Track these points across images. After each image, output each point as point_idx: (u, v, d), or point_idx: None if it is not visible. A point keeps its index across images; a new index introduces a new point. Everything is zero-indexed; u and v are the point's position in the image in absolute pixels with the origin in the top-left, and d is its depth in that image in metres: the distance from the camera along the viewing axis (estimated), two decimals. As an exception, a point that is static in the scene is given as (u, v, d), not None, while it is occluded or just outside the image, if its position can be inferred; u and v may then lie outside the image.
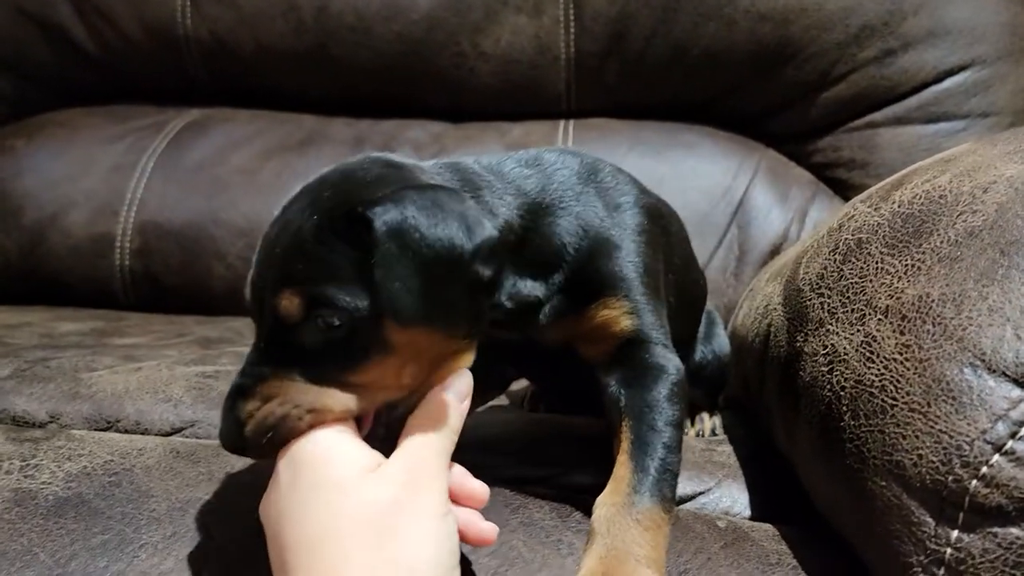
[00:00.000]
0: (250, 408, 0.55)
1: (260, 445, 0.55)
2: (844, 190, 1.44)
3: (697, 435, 0.92)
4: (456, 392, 0.59)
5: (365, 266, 0.53)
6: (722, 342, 1.00)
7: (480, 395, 0.72)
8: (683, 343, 0.85)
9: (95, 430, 0.80)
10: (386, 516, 0.51)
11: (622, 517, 0.59)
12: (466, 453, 0.75)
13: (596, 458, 0.76)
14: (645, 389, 0.67)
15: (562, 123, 1.58)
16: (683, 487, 0.75)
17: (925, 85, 1.39)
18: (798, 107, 1.48)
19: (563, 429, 0.83)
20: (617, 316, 0.69)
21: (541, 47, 1.54)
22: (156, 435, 0.81)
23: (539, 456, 0.77)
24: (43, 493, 0.65)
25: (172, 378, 0.89)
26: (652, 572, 0.56)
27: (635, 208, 0.74)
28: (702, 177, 1.46)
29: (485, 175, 0.67)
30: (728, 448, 0.85)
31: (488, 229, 0.56)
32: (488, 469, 0.73)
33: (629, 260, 0.70)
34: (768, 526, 0.68)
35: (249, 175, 1.53)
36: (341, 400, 0.56)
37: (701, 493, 0.75)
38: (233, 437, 0.56)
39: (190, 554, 0.60)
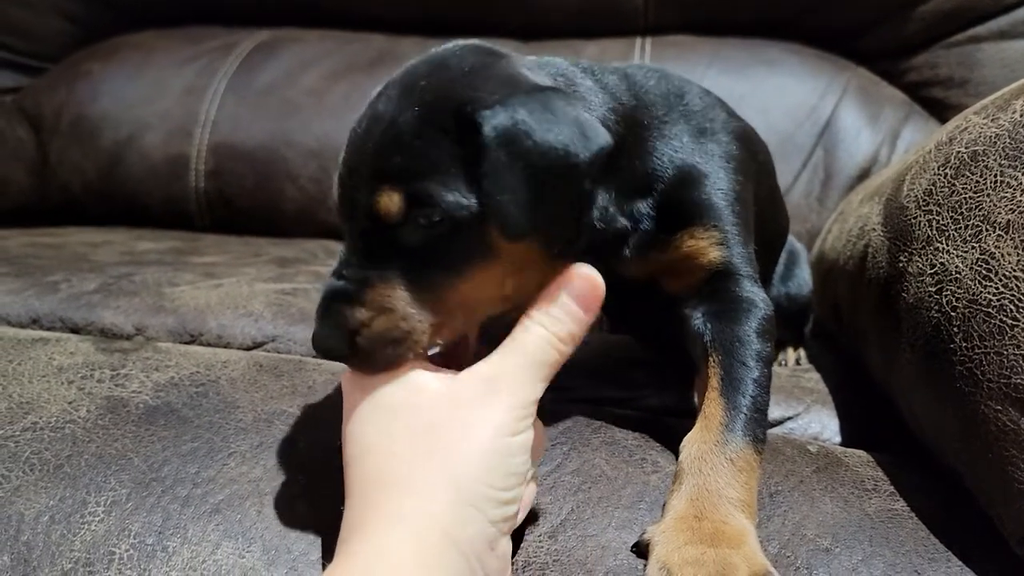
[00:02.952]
0: (360, 316, 0.51)
1: (374, 357, 0.52)
2: (940, 110, 1.36)
3: (780, 365, 0.89)
4: (575, 293, 0.53)
5: (471, 166, 0.50)
6: (804, 279, 0.94)
7: None
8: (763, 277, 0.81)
9: (179, 343, 0.82)
10: (439, 428, 0.48)
11: (714, 456, 0.55)
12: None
13: (676, 381, 0.75)
14: (734, 323, 0.62)
15: (638, 40, 1.52)
16: (770, 412, 0.72)
17: (1037, -6, 1.29)
18: (893, 21, 1.39)
19: (642, 351, 0.81)
20: (704, 247, 0.65)
21: (619, -41, 1.48)
22: (238, 349, 0.82)
23: (619, 378, 0.76)
24: (134, 401, 0.66)
25: (252, 294, 0.89)
26: (745, 517, 0.53)
27: (724, 133, 0.69)
28: (786, 96, 1.39)
29: (583, 78, 0.62)
30: (815, 375, 0.82)
31: (604, 136, 0.52)
32: (567, 390, 0.73)
33: (718, 188, 0.66)
34: (862, 452, 0.65)
35: (319, 96, 1.52)
36: (447, 313, 0.53)
37: (789, 418, 0.73)
38: (336, 342, 0.52)
39: (277, 463, 0.61)
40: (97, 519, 0.55)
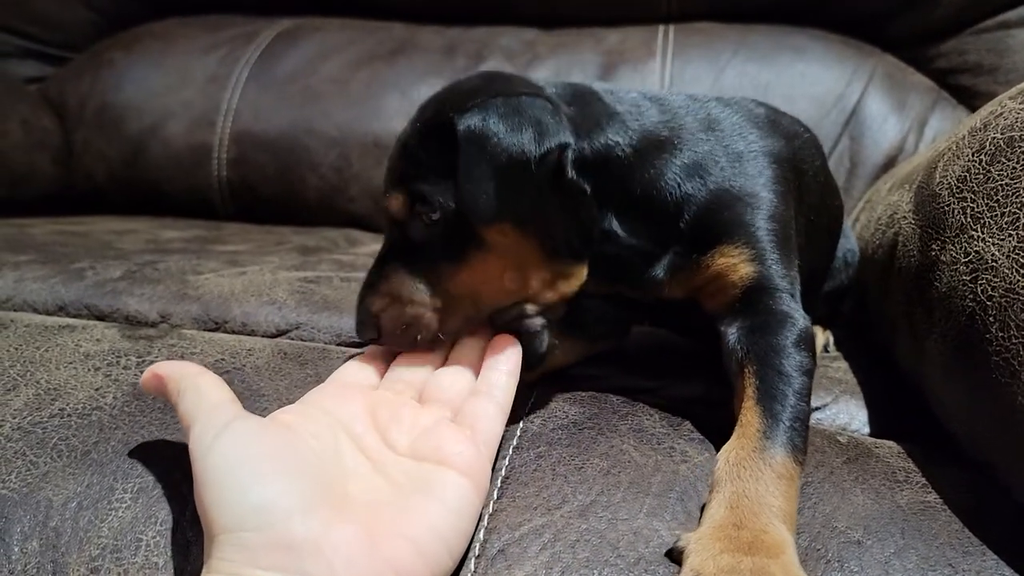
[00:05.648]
0: (379, 304, 0.61)
1: (396, 337, 0.62)
2: (969, 98, 1.33)
3: None
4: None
5: (453, 167, 0.57)
6: (851, 247, 0.93)
7: (594, 339, 0.75)
8: (820, 272, 0.82)
9: (204, 330, 0.82)
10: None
11: (753, 462, 0.54)
12: (574, 365, 0.75)
13: (706, 372, 0.74)
14: (770, 335, 0.62)
15: (661, 28, 1.51)
16: (797, 402, 0.72)
17: (1069, -21, 1.27)
18: (921, 7, 1.37)
19: (672, 342, 0.80)
20: (736, 263, 0.65)
21: (642, -54, 1.46)
22: (262, 336, 0.82)
23: (647, 368, 0.75)
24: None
25: (275, 282, 0.89)
26: (785, 528, 0.50)
27: (758, 156, 0.69)
28: (812, 83, 1.38)
29: (604, 97, 0.67)
30: (844, 364, 0.81)
31: (561, 136, 0.59)
32: (596, 380, 0.72)
33: (751, 207, 0.66)
34: (891, 443, 0.64)
35: (340, 85, 1.52)
36: (455, 299, 0.61)
37: (817, 408, 0.72)
38: (369, 328, 0.62)
39: (302, 451, 0.60)
40: (124, 506, 0.55)
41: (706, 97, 0.73)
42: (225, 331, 0.83)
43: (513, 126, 0.57)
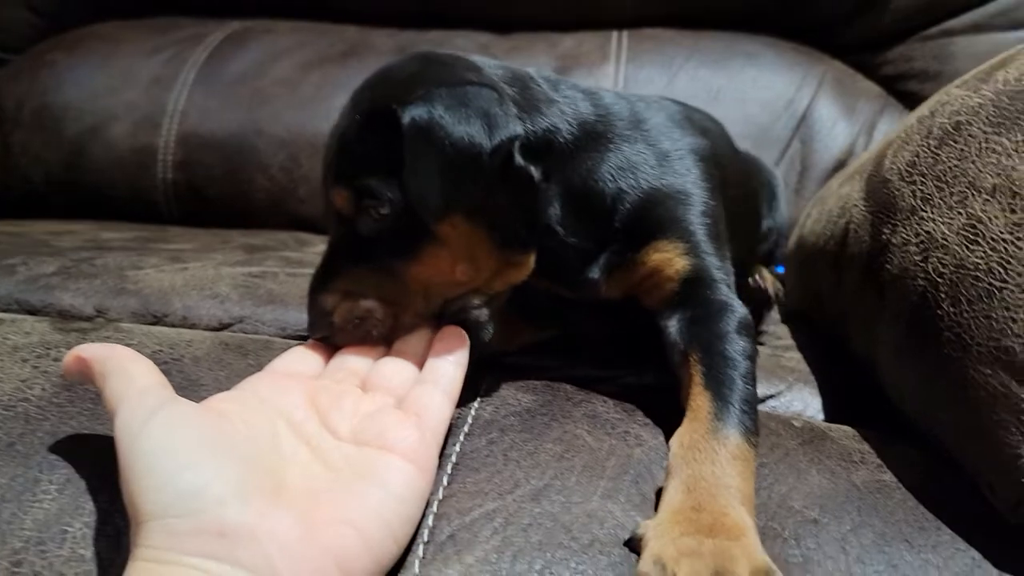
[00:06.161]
0: (331, 301, 0.60)
1: (349, 333, 0.60)
2: (915, 103, 1.34)
3: (758, 287, 0.84)
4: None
5: (399, 160, 0.55)
6: (781, 211, 1.00)
7: (540, 326, 0.75)
8: (749, 254, 0.84)
9: (142, 324, 0.78)
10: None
11: (707, 444, 0.53)
12: (525, 355, 0.73)
13: (659, 360, 0.73)
14: (712, 323, 0.62)
15: (615, 34, 1.51)
16: (751, 391, 0.71)
17: (1007, -12, 1.30)
18: (869, 15, 1.40)
19: (624, 333, 0.79)
20: (671, 257, 0.65)
21: (595, -49, 1.47)
22: (204, 330, 0.79)
23: (599, 358, 0.74)
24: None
25: (218, 277, 0.86)
26: (745, 511, 0.49)
27: (684, 154, 0.70)
28: (763, 88, 1.39)
29: (542, 83, 0.66)
30: (797, 355, 0.81)
31: (512, 128, 0.57)
32: (548, 370, 0.71)
33: (683, 204, 0.67)
34: (847, 427, 0.64)
35: (290, 86, 1.49)
36: (407, 293, 0.60)
37: (771, 396, 0.72)
38: (322, 326, 0.60)
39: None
40: (50, 497, 0.52)
41: (630, 96, 0.74)
42: (165, 325, 0.80)
43: (461, 118, 0.55)
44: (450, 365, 0.58)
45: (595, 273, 0.67)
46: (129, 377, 0.49)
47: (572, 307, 0.73)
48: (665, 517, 0.49)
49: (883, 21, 1.39)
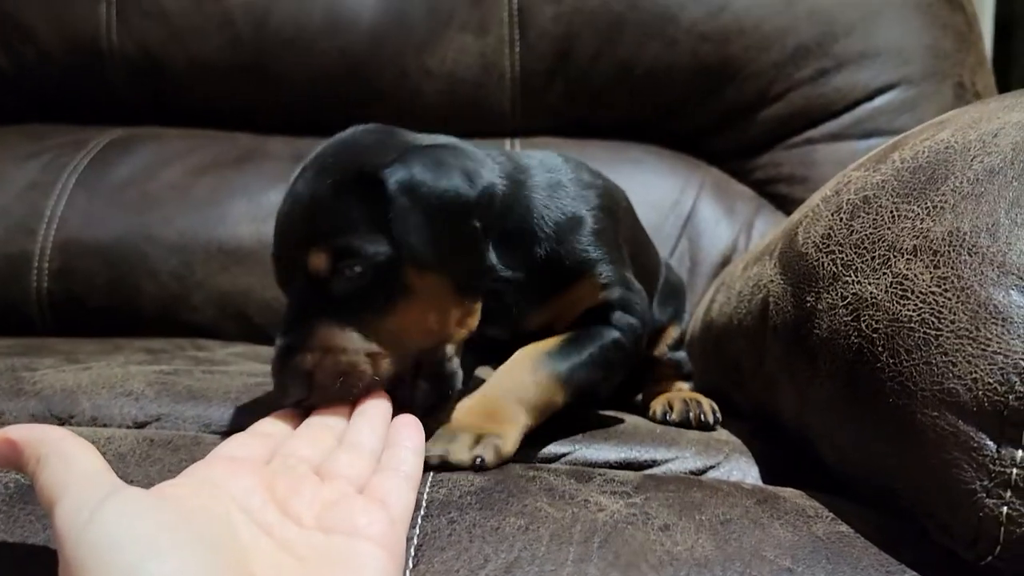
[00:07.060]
0: (311, 359, 0.60)
1: (331, 390, 0.60)
2: (786, 204, 1.48)
3: (700, 421, 0.88)
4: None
5: (379, 219, 0.60)
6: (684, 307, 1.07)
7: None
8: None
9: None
10: None
11: (520, 368, 0.67)
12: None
13: (605, 435, 0.74)
14: (599, 329, 0.73)
15: (507, 142, 1.58)
16: (691, 463, 0.73)
17: (858, 103, 1.45)
18: (739, 125, 1.52)
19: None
20: (592, 291, 0.74)
21: (486, 66, 1.54)
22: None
23: (548, 436, 0.74)
24: (2, 481, 0.57)
25: (128, 375, 0.80)
26: (524, 413, 0.65)
27: (590, 190, 0.77)
28: (651, 191, 1.47)
29: (467, 147, 0.72)
30: (725, 431, 0.83)
31: (487, 178, 0.65)
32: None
33: (593, 239, 0.74)
34: (793, 489, 0.65)
35: (182, 190, 1.45)
36: (385, 345, 0.62)
37: (711, 467, 0.73)
38: (298, 387, 0.60)
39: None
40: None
41: (523, 153, 0.81)
42: (72, 426, 0.73)
43: (441, 174, 0.61)
44: (409, 452, 0.58)
45: (527, 305, 0.74)
46: (70, 461, 0.45)
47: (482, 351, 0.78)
48: (462, 408, 0.66)
49: (750, 131, 1.51)
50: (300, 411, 0.63)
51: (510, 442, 0.64)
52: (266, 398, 0.77)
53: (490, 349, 0.76)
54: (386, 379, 0.62)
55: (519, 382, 0.67)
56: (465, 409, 0.65)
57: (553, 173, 0.76)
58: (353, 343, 0.61)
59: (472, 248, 0.66)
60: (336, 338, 0.61)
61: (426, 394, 0.65)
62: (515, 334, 0.74)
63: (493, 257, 0.70)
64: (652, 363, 1.00)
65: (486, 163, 0.69)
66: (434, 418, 0.65)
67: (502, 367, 0.68)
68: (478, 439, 0.63)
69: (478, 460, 0.61)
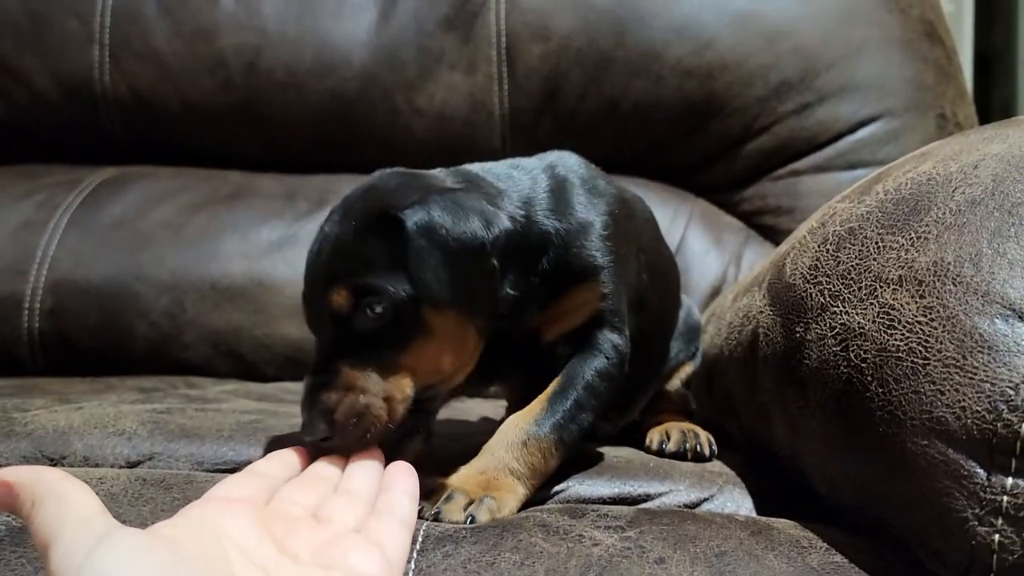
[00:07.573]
0: (335, 398, 0.62)
1: (348, 430, 0.62)
2: (773, 235, 1.49)
3: (696, 452, 0.88)
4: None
5: (399, 259, 0.63)
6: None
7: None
8: (664, 314, 0.94)
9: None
10: None
11: (516, 438, 0.67)
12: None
13: (605, 468, 0.75)
14: (583, 359, 0.74)
15: (496, 177, 1.59)
16: (685, 496, 0.73)
17: (841, 135, 1.48)
18: (725, 159, 1.54)
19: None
20: (590, 298, 0.75)
21: (475, 104, 1.56)
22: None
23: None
24: (-7, 524, 0.57)
25: (120, 414, 0.80)
26: (522, 487, 0.66)
27: (603, 201, 0.78)
28: (642, 222, 1.48)
29: (487, 177, 0.75)
30: (719, 462, 0.84)
31: (504, 221, 0.67)
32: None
33: (598, 249, 0.75)
34: (787, 520, 0.66)
35: (174, 229, 1.46)
36: (401, 386, 0.64)
37: (705, 499, 0.73)
38: (319, 426, 0.62)
39: None
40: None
41: (539, 164, 0.80)
42: (64, 467, 0.73)
43: (459, 217, 0.64)
44: (405, 497, 0.58)
45: (535, 308, 0.75)
46: (66, 503, 0.45)
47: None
48: (459, 475, 0.66)
49: (737, 164, 1.53)
50: (298, 451, 0.63)
51: (506, 509, 0.64)
52: (260, 436, 0.77)
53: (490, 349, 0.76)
54: (397, 420, 0.64)
55: (514, 455, 0.67)
56: (462, 477, 0.66)
57: (567, 177, 0.78)
58: (372, 385, 0.63)
59: (489, 287, 0.68)
60: (358, 380, 0.63)
61: (400, 425, 0.65)
62: (515, 334, 0.75)
63: (507, 285, 0.71)
64: (661, 396, 1.01)
65: (503, 202, 0.71)
66: (430, 477, 0.66)
67: (493, 437, 0.69)
68: (472, 501, 0.64)
69: (470, 520, 0.62)
